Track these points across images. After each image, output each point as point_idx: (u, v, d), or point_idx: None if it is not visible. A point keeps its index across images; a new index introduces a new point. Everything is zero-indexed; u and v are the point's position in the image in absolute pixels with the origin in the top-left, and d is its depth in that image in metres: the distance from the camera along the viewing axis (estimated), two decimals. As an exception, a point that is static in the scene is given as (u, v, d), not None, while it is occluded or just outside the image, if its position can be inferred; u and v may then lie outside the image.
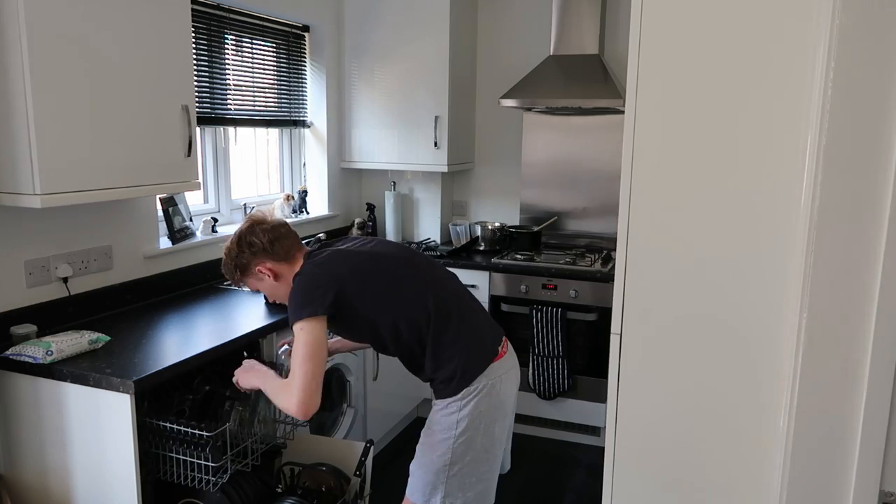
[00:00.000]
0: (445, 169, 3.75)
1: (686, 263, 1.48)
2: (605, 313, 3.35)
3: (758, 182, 1.39)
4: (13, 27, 1.82)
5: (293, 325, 1.84)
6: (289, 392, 1.81)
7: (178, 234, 2.80)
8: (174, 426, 1.95)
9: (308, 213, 3.73)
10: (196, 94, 2.57)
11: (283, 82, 3.57)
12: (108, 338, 2.13)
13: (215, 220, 3.05)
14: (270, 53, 3.45)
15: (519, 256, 3.64)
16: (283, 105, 3.60)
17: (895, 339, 1.32)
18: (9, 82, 1.86)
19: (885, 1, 1.23)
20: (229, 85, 3.16)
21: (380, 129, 3.83)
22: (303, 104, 3.75)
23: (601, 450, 1.69)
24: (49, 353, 1.95)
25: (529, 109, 3.90)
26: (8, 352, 1.99)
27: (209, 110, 3.03)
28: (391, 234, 4.03)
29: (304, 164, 3.88)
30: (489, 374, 1.92)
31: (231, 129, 3.27)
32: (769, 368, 1.43)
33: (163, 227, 2.78)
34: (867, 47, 1.25)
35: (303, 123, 3.79)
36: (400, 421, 3.48)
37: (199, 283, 2.91)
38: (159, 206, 2.75)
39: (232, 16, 3.12)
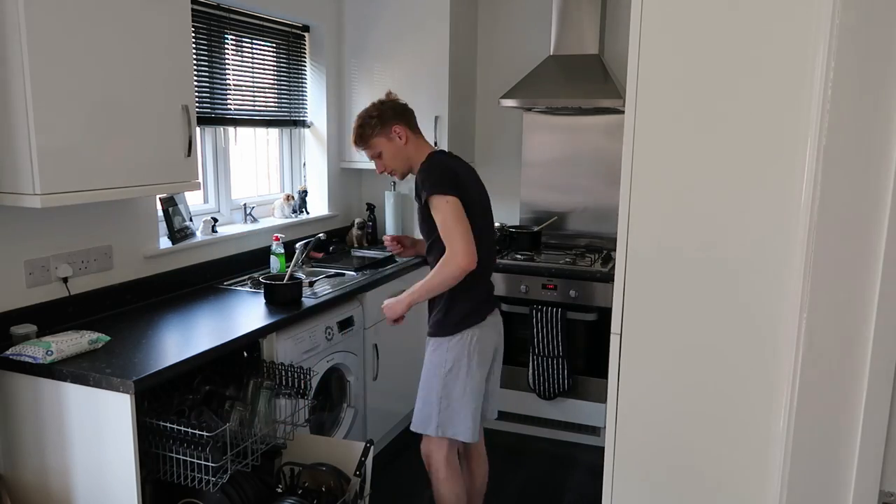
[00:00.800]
0: (445, 169, 3.74)
1: (686, 263, 1.48)
2: (605, 313, 3.35)
3: (758, 182, 1.39)
4: (13, 27, 1.82)
5: (437, 195, 2.10)
6: (450, 256, 2.10)
7: (178, 234, 2.80)
8: (174, 426, 1.95)
9: (308, 213, 3.73)
10: (196, 93, 2.57)
11: (282, 82, 3.57)
12: (108, 338, 2.13)
13: (215, 220, 3.05)
14: (270, 53, 3.45)
15: (519, 256, 3.64)
16: (283, 105, 3.60)
17: (895, 339, 1.32)
18: (9, 82, 1.86)
19: (885, 1, 1.23)
20: (229, 85, 3.16)
21: (380, 129, 3.82)
22: (303, 104, 3.75)
23: (601, 450, 1.69)
24: (49, 353, 1.95)
25: (529, 109, 3.90)
26: (8, 352, 1.99)
27: (209, 110, 3.03)
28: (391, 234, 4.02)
29: (304, 164, 3.88)
30: (482, 325, 2.28)
31: (231, 129, 3.27)
32: (769, 368, 1.43)
33: (163, 227, 2.78)
34: (867, 47, 1.25)
35: (303, 123, 3.79)
36: (400, 421, 3.47)
37: (199, 283, 2.90)
38: (159, 206, 2.75)
39: (232, 16, 3.12)
